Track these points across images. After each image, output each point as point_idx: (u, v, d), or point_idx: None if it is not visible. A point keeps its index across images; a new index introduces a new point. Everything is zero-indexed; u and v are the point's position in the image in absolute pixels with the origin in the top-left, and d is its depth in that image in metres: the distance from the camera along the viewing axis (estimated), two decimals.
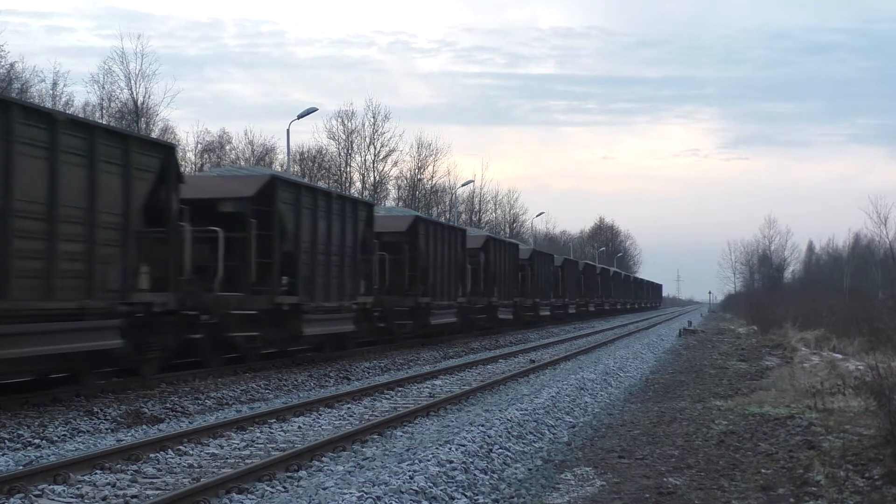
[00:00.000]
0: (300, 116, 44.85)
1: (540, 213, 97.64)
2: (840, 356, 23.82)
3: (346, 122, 69.64)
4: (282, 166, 60.76)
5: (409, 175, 74.86)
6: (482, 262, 39.79)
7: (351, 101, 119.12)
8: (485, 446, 11.38)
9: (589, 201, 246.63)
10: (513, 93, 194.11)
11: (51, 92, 51.53)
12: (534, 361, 25.92)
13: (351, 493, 8.57)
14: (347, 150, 69.81)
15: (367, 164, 70.14)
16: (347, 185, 68.29)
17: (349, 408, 15.86)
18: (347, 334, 25.51)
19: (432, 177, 77.16)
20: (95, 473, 10.03)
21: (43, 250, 13.91)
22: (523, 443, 12.35)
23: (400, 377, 20.74)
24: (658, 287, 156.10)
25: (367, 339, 28.11)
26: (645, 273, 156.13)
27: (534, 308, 50.39)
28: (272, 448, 11.88)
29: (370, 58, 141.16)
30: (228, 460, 11.07)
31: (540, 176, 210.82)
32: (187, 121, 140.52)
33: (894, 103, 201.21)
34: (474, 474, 10.13)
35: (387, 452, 11.34)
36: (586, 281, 69.96)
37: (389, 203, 67.95)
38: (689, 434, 13.15)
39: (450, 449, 10.81)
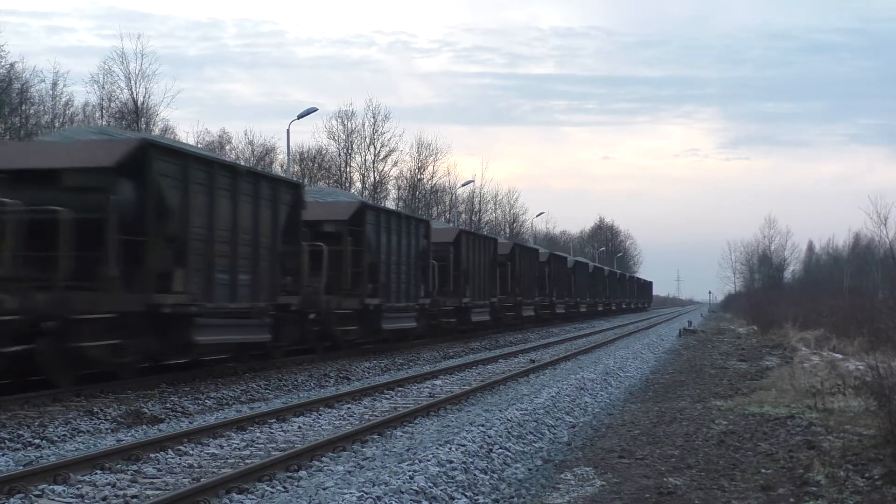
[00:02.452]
0: (300, 116, 44.87)
1: (540, 213, 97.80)
2: (840, 356, 23.79)
3: (346, 122, 69.80)
4: (282, 166, 60.79)
5: (409, 175, 74.96)
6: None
7: (351, 101, 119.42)
8: (485, 446, 11.38)
9: (589, 201, 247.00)
10: (513, 93, 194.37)
11: (51, 92, 51.58)
12: (534, 361, 25.92)
13: (351, 493, 8.57)
14: (347, 150, 69.93)
15: (367, 164, 70.28)
16: (347, 185, 68.29)
17: (349, 408, 15.86)
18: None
19: (432, 177, 77.29)
20: (95, 473, 10.03)
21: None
22: (523, 443, 12.35)
23: (400, 377, 20.75)
24: (647, 284, 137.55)
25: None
26: (645, 273, 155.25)
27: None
28: (272, 448, 11.88)
29: (370, 58, 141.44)
30: (228, 460, 11.06)
31: (540, 176, 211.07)
32: (187, 121, 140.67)
33: (895, 103, 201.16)
34: (474, 474, 10.13)
35: (387, 452, 11.33)
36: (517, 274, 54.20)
37: (389, 203, 68.02)
38: (689, 434, 13.15)
39: (450, 449, 10.81)
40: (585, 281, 70.60)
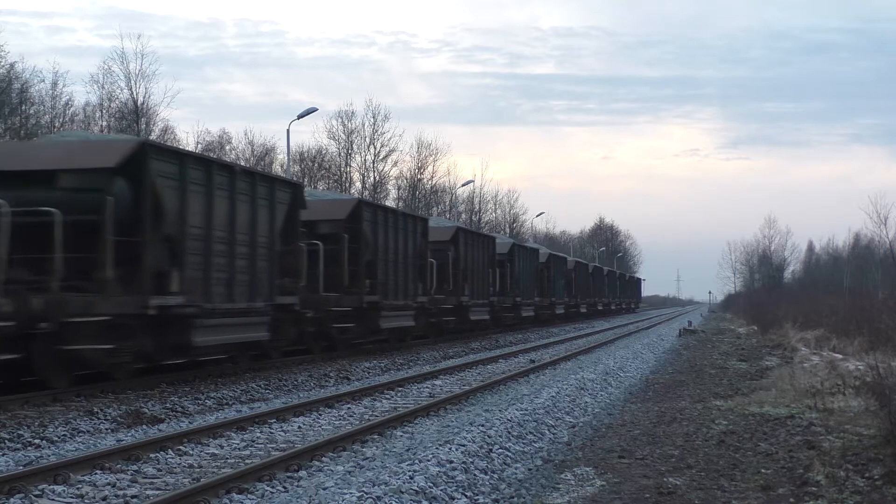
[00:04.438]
0: (300, 116, 44.85)
1: (540, 213, 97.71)
2: (840, 356, 23.78)
3: (346, 122, 69.74)
4: (282, 166, 60.77)
5: (409, 175, 74.92)
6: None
7: (351, 101, 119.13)
8: (485, 446, 11.38)
9: (589, 201, 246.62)
10: (513, 93, 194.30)
11: (50, 92, 51.54)
12: (534, 361, 25.91)
13: (351, 493, 8.57)
14: (347, 150, 69.90)
15: (367, 164, 70.25)
16: (347, 185, 68.29)
17: (349, 408, 15.86)
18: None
19: (432, 177, 77.28)
20: (95, 473, 10.03)
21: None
22: (523, 443, 12.35)
23: (400, 377, 20.75)
24: (634, 282, 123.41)
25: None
26: (645, 272, 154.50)
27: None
28: (272, 448, 11.88)
29: (370, 58, 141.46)
30: (228, 460, 11.07)
31: (540, 176, 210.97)
32: (187, 121, 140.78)
33: (895, 103, 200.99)
34: (474, 474, 10.13)
35: (387, 452, 11.33)
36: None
37: (389, 203, 67.98)
38: (689, 434, 13.15)
39: (450, 449, 10.81)
40: (530, 274, 51.11)
